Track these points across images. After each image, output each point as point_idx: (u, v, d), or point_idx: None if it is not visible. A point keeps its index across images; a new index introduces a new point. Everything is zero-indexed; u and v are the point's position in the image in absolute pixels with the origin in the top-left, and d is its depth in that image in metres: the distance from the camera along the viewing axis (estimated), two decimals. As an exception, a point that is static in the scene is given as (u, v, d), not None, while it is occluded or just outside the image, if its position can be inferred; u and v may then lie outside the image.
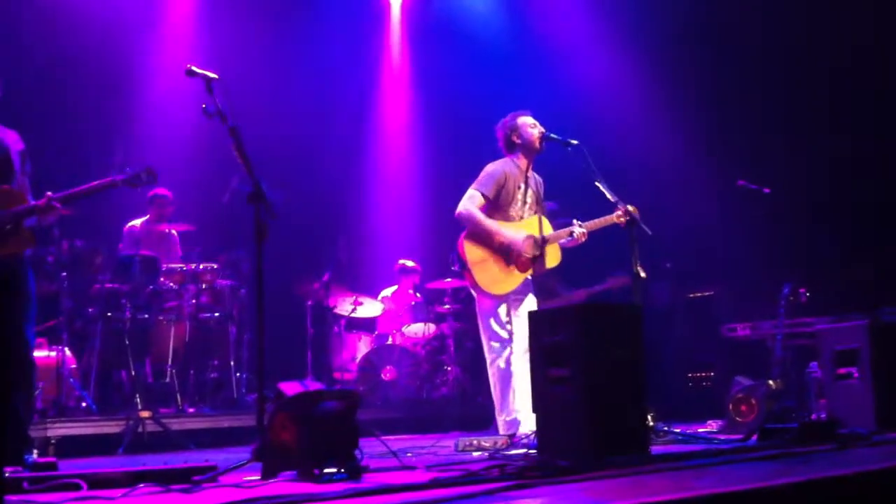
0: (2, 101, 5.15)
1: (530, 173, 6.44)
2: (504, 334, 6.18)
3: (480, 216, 6.21)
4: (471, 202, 6.25)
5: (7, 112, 5.21)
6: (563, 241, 6.30)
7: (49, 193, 5.12)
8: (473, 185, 6.31)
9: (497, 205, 6.29)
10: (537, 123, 6.38)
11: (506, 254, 6.21)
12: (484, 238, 6.21)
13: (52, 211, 5.13)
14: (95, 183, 5.31)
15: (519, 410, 6.00)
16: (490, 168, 6.36)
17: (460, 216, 6.27)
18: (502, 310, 6.22)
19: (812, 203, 9.21)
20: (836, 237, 8.93)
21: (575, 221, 6.28)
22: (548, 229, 6.33)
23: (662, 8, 10.31)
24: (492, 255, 6.21)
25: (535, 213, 6.42)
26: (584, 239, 6.30)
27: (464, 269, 6.29)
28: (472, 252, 6.22)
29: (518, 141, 6.38)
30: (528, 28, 11.32)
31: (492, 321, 6.23)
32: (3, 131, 5.18)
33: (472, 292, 6.41)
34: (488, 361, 6.24)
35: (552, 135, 6.26)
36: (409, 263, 10.23)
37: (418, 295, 10.03)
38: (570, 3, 11.00)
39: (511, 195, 6.31)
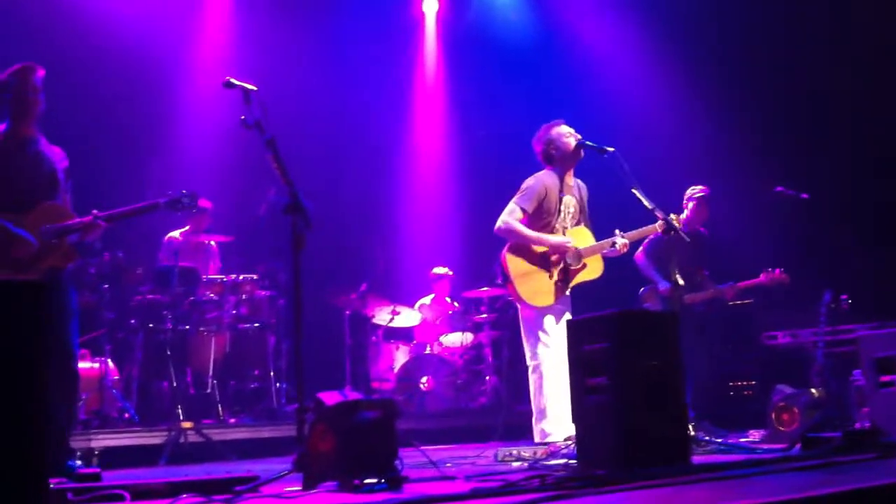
0: (44, 116, 5.24)
1: (571, 182, 6.44)
2: (546, 345, 6.16)
3: (521, 227, 6.22)
4: (510, 216, 6.26)
5: (47, 126, 5.29)
6: (605, 251, 6.29)
7: (95, 211, 5.19)
8: (513, 200, 6.32)
9: (539, 217, 6.29)
10: (573, 132, 6.37)
11: (548, 264, 6.21)
12: (526, 250, 6.23)
13: (97, 228, 5.20)
14: (139, 205, 5.41)
15: (557, 420, 5.99)
16: (529, 182, 6.36)
17: (500, 231, 6.29)
18: (546, 321, 6.20)
19: (852, 208, 9.12)
20: (878, 242, 8.84)
21: (617, 232, 6.26)
22: (591, 240, 6.32)
23: (696, 14, 10.26)
24: (534, 268, 6.21)
25: (579, 222, 6.42)
26: (625, 249, 6.29)
27: (507, 282, 6.30)
28: (515, 265, 6.24)
29: (556, 152, 6.37)
30: (562, 37, 11.30)
31: (535, 332, 6.22)
32: (50, 148, 5.26)
33: (517, 304, 6.42)
34: (530, 370, 6.24)
35: (588, 142, 6.26)
36: (442, 271, 10.23)
37: (455, 304, 10.03)
38: (604, 12, 10.97)
39: (553, 207, 6.30)
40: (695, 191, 7.95)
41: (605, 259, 6.38)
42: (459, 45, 12.02)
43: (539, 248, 6.25)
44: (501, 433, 8.31)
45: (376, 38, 11.23)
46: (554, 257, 6.24)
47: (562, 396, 5.78)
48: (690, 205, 7.90)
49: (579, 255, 6.23)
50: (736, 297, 8.12)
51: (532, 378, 6.22)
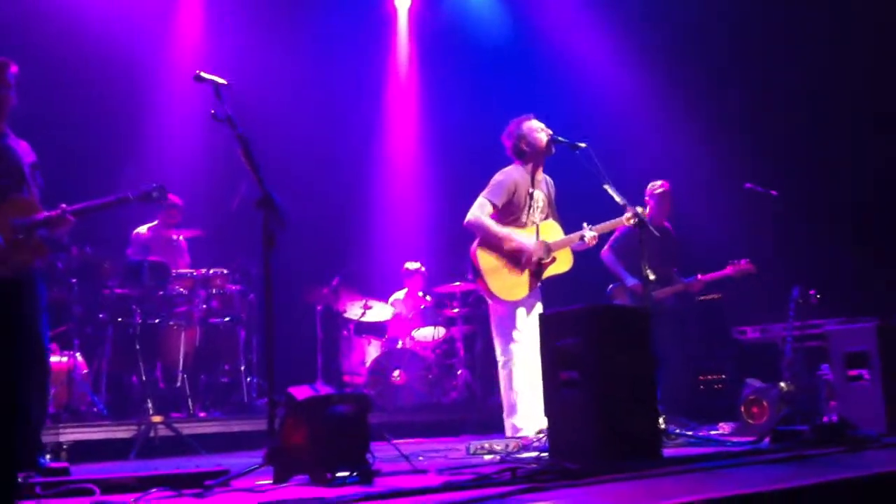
0: (14, 110, 5.18)
1: (540, 177, 6.44)
2: (517, 339, 6.16)
3: (490, 223, 6.21)
4: (480, 210, 6.24)
5: (18, 120, 5.24)
6: (574, 244, 6.30)
7: (63, 205, 5.14)
8: (483, 194, 6.30)
9: (508, 212, 6.28)
10: (544, 127, 6.36)
11: (517, 259, 6.21)
12: (495, 245, 6.21)
13: (65, 223, 5.15)
14: (109, 198, 5.35)
15: (528, 414, 6.00)
16: (499, 177, 6.34)
17: (470, 224, 6.26)
18: (518, 314, 6.20)
19: (820, 205, 9.20)
20: (846, 238, 8.92)
21: (585, 225, 6.27)
22: (560, 233, 6.33)
23: (672, 14, 10.30)
24: (504, 262, 6.20)
25: (547, 216, 6.43)
26: (594, 242, 6.31)
27: (477, 277, 6.28)
28: (485, 260, 6.22)
29: (527, 148, 6.35)
30: (535, 34, 11.32)
31: (506, 328, 6.21)
32: (16, 142, 5.20)
33: (487, 299, 6.41)
34: (500, 364, 6.24)
35: (560, 137, 6.25)
36: (414, 265, 10.23)
37: (428, 298, 10.03)
38: (579, 10, 10.99)
39: (522, 202, 6.30)
40: (654, 186, 8.00)
41: (575, 253, 6.39)
42: (432, 41, 12.01)
43: (508, 242, 6.23)
44: (473, 427, 8.33)
45: (348, 35, 11.20)
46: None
47: (533, 390, 5.80)
48: (652, 201, 7.94)
49: (549, 249, 6.24)
50: (704, 289, 8.17)
51: (502, 374, 6.22)
